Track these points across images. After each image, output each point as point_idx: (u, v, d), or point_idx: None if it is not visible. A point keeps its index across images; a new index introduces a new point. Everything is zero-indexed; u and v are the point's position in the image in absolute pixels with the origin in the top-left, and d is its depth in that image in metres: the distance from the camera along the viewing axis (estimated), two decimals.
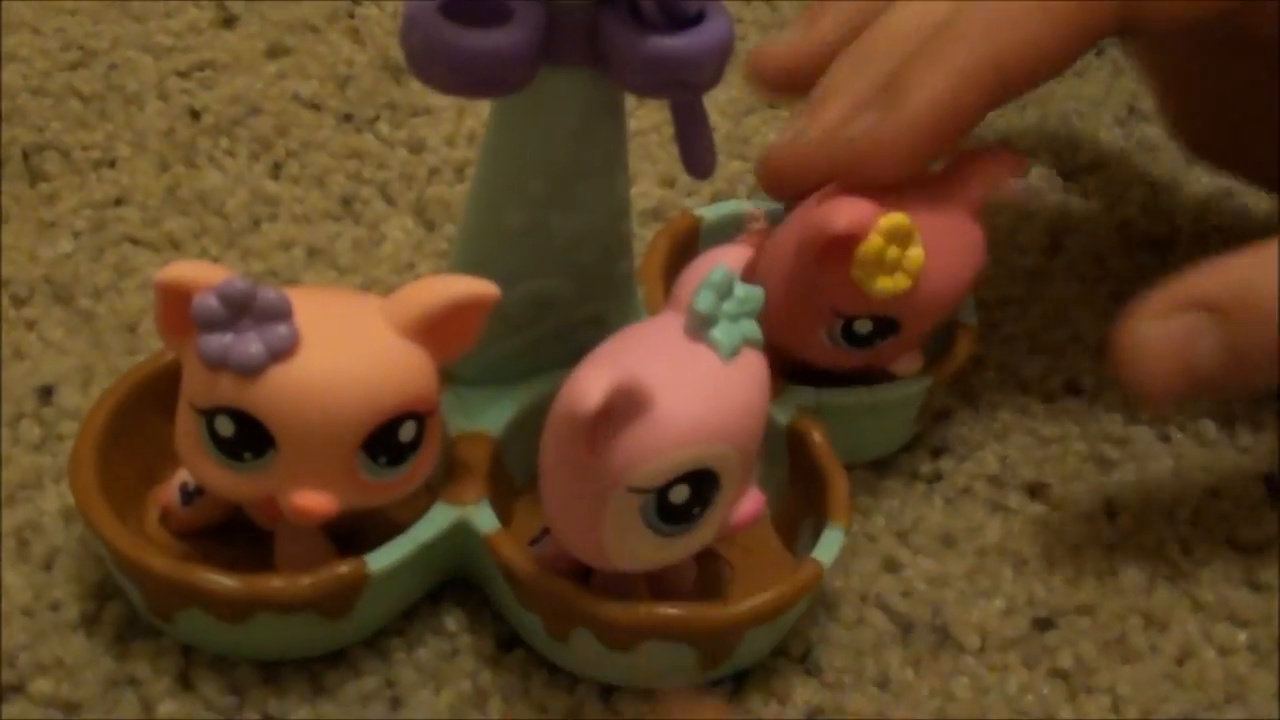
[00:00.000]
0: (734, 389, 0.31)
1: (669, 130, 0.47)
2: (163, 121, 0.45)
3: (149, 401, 0.34)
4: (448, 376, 0.36)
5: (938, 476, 0.39)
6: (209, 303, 0.30)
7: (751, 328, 0.32)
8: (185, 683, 0.33)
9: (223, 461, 0.31)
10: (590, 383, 0.29)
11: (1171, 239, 0.46)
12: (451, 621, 0.35)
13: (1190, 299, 0.34)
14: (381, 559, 0.32)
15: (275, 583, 0.32)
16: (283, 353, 0.30)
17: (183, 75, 0.47)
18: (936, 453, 0.40)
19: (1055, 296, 0.44)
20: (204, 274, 0.30)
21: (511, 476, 0.36)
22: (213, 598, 0.32)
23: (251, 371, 0.30)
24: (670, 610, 0.32)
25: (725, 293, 0.31)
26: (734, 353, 0.31)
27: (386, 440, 0.31)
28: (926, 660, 0.35)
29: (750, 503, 0.32)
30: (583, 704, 0.33)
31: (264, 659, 0.33)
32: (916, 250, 0.34)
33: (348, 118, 0.46)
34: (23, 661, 0.33)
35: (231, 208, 0.43)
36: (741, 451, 0.31)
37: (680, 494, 0.31)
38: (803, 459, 0.36)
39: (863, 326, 0.36)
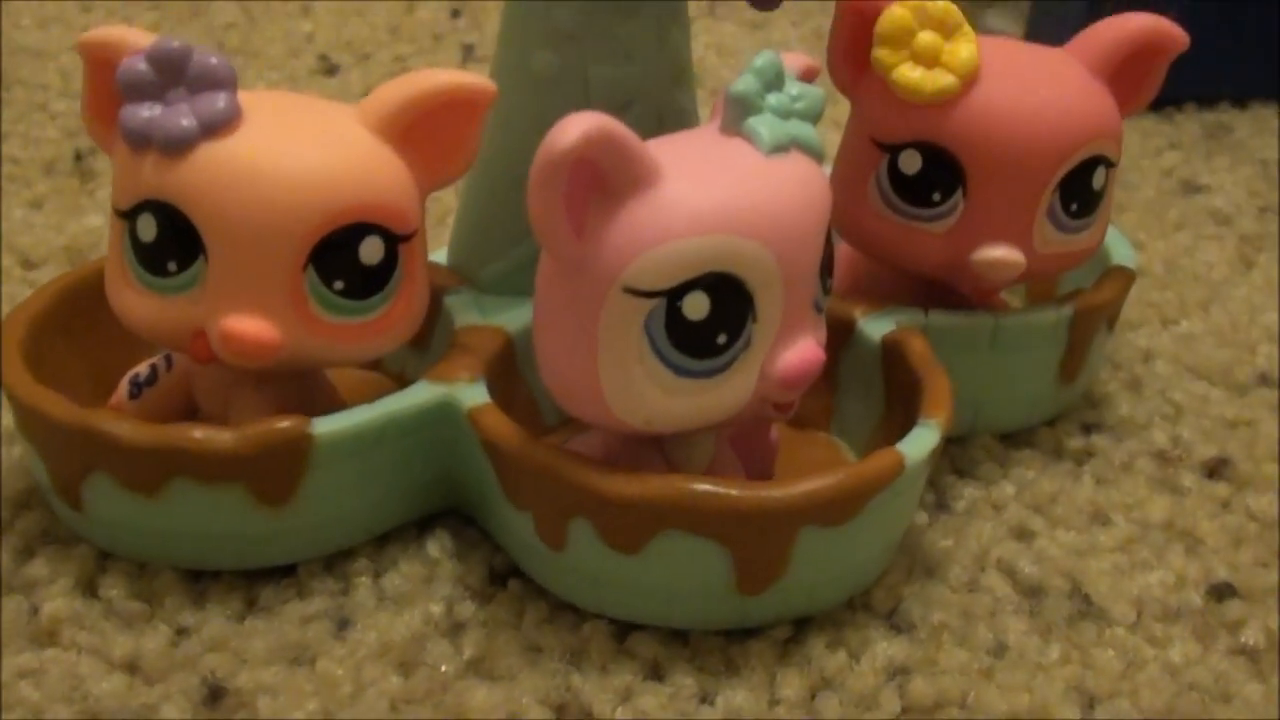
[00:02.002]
0: (770, 182, 0.24)
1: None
2: None
3: (101, 299, 0.28)
4: (467, 280, 0.30)
5: (1089, 453, 0.30)
6: (136, 66, 0.25)
7: (805, 130, 0.25)
8: (89, 588, 0.26)
9: (148, 283, 0.25)
10: (572, 122, 0.23)
11: None
12: (435, 548, 0.27)
13: None
14: (331, 423, 0.26)
15: (194, 433, 0.25)
16: (217, 127, 0.25)
17: None
18: (1088, 429, 0.31)
19: (1246, 300, 0.36)
20: (133, 36, 0.25)
21: (535, 402, 0.29)
22: (119, 452, 0.25)
23: (179, 148, 0.25)
24: (690, 483, 0.24)
25: (772, 83, 0.25)
26: (776, 148, 0.24)
27: (342, 257, 0.25)
28: (1060, 629, 0.26)
29: (802, 349, 0.25)
30: (588, 642, 0.25)
31: (189, 560, 0.26)
32: (967, 46, 0.28)
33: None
34: None
35: None
36: (780, 258, 0.24)
37: (698, 306, 0.23)
38: (899, 374, 0.28)
39: (910, 162, 0.28)
